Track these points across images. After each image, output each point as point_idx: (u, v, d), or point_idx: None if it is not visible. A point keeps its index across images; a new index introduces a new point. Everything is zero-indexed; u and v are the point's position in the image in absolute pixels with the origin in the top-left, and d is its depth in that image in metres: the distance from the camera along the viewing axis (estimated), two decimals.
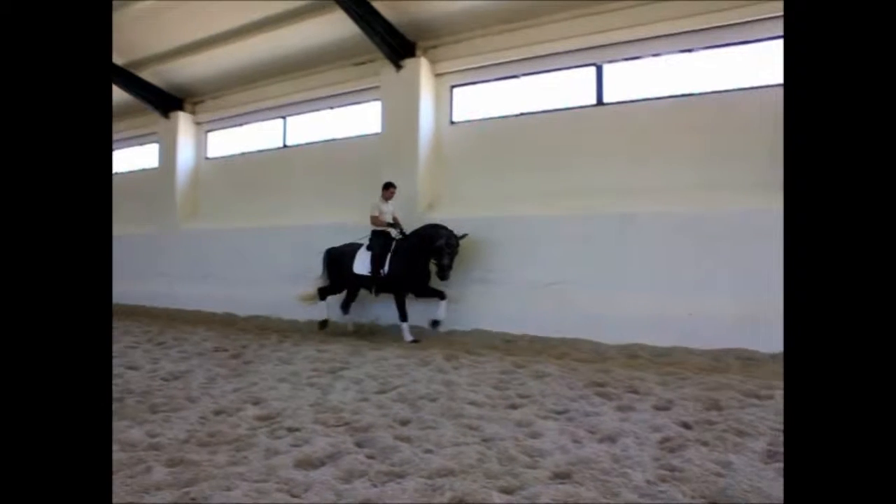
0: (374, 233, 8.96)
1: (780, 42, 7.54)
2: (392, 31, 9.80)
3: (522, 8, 8.98)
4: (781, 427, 4.14)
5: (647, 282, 7.70)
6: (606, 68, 8.87)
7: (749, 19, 7.71)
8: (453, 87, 10.25)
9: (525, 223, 8.63)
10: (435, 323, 8.50)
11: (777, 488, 3.07)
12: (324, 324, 9.37)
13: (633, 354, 7.06)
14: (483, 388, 5.48)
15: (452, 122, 10.27)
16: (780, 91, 7.31)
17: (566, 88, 9.24)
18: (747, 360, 6.57)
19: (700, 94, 8.17)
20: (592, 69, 8.96)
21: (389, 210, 9.02)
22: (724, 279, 7.27)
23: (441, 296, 8.46)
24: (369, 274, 8.74)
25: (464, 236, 8.38)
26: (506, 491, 3.11)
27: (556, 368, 6.24)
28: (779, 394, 5.05)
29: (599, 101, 8.91)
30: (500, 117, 9.79)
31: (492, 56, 9.62)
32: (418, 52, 10.07)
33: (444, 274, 8.28)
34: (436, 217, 8.98)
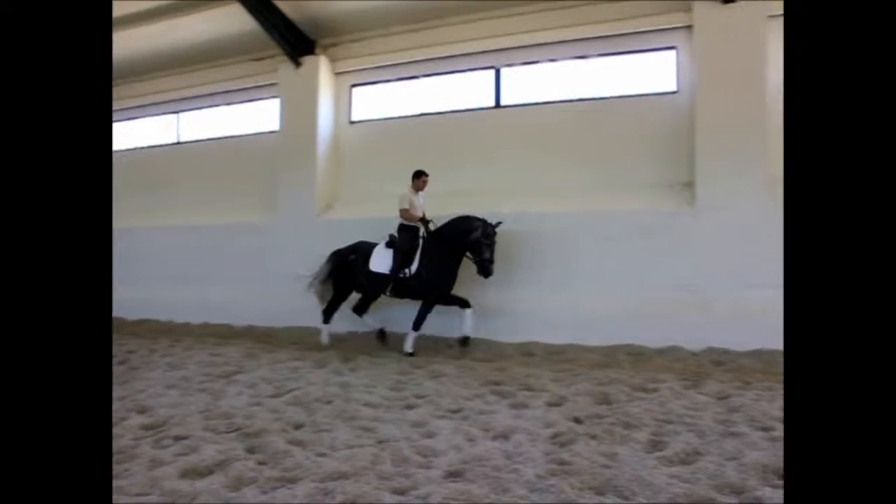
0: (401, 227, 7.79)
1: (671, 52, 7.99)
2: (291, 27, 9.61)
3: (422, 9, 9.02)
4: (664, 418, 4.36)
5: (544, 280, 7.90)
6: (504, 71, 9.05)
7: (642, 30, 8.10)
8: (353, 86, 10.18)
9: None
10: (465, 340, 7.42)
11: (658, 476, 3.23)
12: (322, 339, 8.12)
13: (528, 352, 7.22)
14: (379, 389, 5.47)
15: (352, 122, 10.20)
16: (672, 98, 7.85)
17: (465, 90, 9.36)
18: (636, 355, 6.88)
19: (594, 99, 8.50)
20: (491, 72, 9.12)
21: (421, 203, 7.93)
22: (616, 277, 7.58)
23: (464, 303, 7.45)
24: (389, 273, 7.60)
25: (498, 224, 7.38)
26: (398, 491, 3.12)
27: (453, 368, 6.31)
28: (664, 386, 5.31)
29: (497, 104, 9.09)
30: (399, 117, 9.80)
31: (392, 56, 9.62)
32: (318, 50, 9.92)
33: (486, 269, 7.19)
34: (334, 217, 8.83)
